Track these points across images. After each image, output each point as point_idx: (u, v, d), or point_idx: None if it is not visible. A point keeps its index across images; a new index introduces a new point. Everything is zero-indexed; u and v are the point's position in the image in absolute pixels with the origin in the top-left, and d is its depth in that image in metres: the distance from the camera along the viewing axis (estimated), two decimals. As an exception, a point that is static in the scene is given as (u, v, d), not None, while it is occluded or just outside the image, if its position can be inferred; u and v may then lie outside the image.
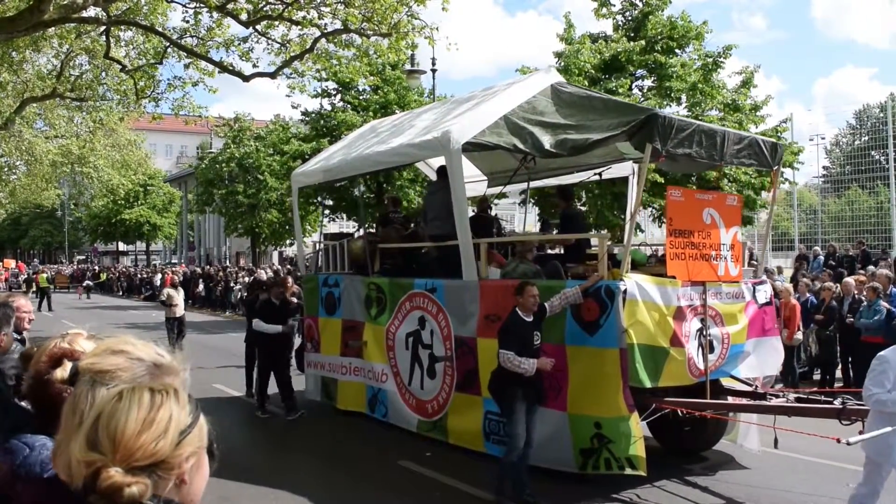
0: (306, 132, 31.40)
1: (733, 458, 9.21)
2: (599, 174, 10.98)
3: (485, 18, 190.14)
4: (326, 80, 28.18)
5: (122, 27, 18.34)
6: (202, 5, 16.12)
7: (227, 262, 50.56)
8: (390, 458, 9.30)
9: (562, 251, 10.37)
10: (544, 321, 7.81)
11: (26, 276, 43.91)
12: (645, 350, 7.85)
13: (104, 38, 18.55)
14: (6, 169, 32.56)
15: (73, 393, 1.65)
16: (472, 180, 12.15)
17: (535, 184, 12.60)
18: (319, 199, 31.36)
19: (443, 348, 9.54)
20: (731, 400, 8.90)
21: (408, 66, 26.73)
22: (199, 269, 41.52)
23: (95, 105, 24.79)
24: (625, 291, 7.71)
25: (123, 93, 22.23)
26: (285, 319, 11.78)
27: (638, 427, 7.79)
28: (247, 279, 33.64)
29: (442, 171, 10.38)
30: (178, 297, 17.82)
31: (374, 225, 12.02)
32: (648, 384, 7.87)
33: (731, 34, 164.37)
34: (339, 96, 30.04)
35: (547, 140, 8.41)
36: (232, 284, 34.57)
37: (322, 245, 12.51)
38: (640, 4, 24.75)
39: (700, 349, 8.41)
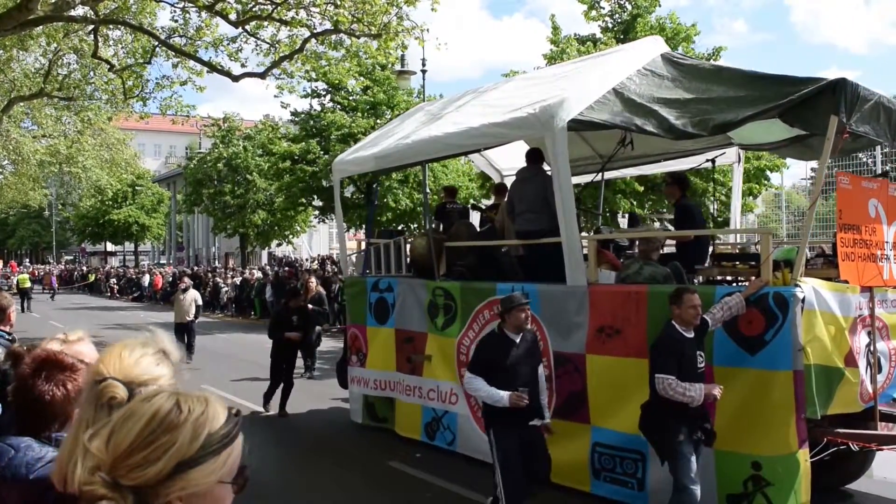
0: (296, 133, 29.03)
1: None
2: (712, 161, 8.69)
3: (471, 21, 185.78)
4: (316, 80, 25.90)
5: (111, 26, 16.95)
6: (191, 4, 14.88)
7: (217, 262, 47.24)
8: (380, 459, 8.41)
9: (673, 249, 8.08)
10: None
11: (16, 276, 39.85)
12: (820, 372, 5.71)
13: (92, 37, 17.12)
14: (-7, 168, 29.92)
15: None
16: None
17: (609, 174, 10.21)
18: (305, 199, 28.99)
19: (537, 367, 7.21)
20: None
21: (398, 67, 24.34)
22: (187, 270, 38.44)
23: (83, 104, 22.86)
24: (803, 300, 5.52)
25: (111, 92, 20.57)
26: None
27: (807, 466, 5.66)
28: (237, 280, 31.08)
29: (533, 155, 8.07)
30: (187, 299, 15.17)
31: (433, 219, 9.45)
32: (819, 413, 5.71)
33: (714, 37, 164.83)
34: (328, 97, 27.73)
35: (680, 119, 6.18)
36: (221, 285, 31.77)
37: (368, 244, 9.99)
38: (629, 7, 23.37)
39: (868, 368, 6.25)
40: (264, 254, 46.87)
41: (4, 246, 73.84)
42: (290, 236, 37.57)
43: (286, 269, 30.42)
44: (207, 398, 1.39)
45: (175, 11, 15.52)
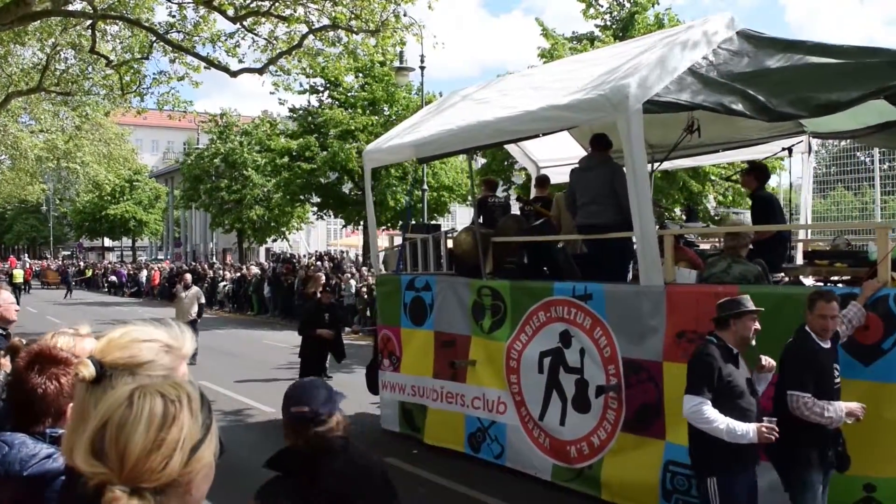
0: (294, 129, 28.04)
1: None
2: (789, 149, 7.73)
3: (469, 19, 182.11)
4: (314, 76, 24.87)
5: (108, 21, 16.06)
6: (188, 0, 14.41)
7: (214, 258, 45.80)
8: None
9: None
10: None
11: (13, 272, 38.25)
12: None
13: (90, 32, 16.21)
14: (-10, 163, 28.90)
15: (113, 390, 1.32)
16: (564, 163, 8.87)
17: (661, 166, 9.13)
18: (303, 196, 28.01)
19: (602, 374, 6.26)
20: None
21: (396, 64, 23.41)
22: (185, 266, 37.14)
23: (81, 100, 22.19)
24: (931, 304, 4.63)
25: (109, 87, 19.75)
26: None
27: None
28: (236, 275, 29.90)
29: (599, 141, 7.08)
30: (188, 296, 14.16)
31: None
32: None
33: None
34: (326, 93, 26.74)
35: (773, 99, 5.24)
36: (219, 281, 30.57)
37: (404, 239, 8.93)
38: (628, 5, 22.61)
39: None
40: (262, 250, 45.54)
41: (2, 241, 71.91)
42: (287, 232, 36.43)
43: (283, 265, 29.33)
44: (177, 381, 1.33)
45: (171, 7, 15.04)
